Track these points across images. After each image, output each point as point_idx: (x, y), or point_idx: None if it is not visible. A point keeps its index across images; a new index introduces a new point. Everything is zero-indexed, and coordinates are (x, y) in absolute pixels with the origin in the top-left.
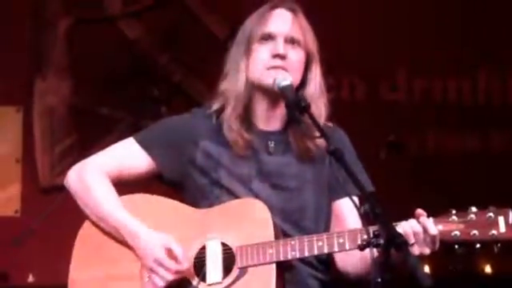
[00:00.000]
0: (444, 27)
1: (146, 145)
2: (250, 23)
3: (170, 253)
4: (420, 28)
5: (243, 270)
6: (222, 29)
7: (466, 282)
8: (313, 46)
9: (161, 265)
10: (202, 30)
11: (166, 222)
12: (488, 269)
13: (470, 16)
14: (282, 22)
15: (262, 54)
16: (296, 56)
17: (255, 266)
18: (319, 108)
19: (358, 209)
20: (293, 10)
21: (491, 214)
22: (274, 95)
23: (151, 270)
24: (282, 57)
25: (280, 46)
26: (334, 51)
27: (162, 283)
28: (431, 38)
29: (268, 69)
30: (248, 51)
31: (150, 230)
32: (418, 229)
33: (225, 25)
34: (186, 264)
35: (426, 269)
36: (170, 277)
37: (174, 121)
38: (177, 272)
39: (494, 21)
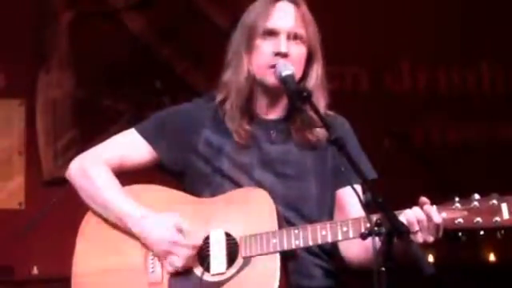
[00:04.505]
0: (447, 17)
1: (147, 135)
2: (252, 15)
3: (180, 231)
4: (424, 18)
5: (247, 260)
6: (224, 19)
7: (470, 271)
8: (315, 39)
9: (177, 244)
10: (205, 21)
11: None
12: (492, 257)
13: (474, 5)
14: (284, 16)
15: (264, 50)
16: (298, 51)
17: (259, 255)
18: (319, 100)
19: (360, 198)
20: (296, 3)
21: (494, 201)
22: (276, 89)
23: (167, 253)
24: (284, 55)
25: (283, 45)
26: (338, 42)
27: (181, 261)
28: (435, 28)
29: (270, 67)
30: (250, 45)
31: (155, 215)
32: (422, 216)
33: (227, 15)
34: (200, 235)
35: (430, 258)
36: (189, 253)
37: (175, 110)
38: (193, 247)
39: (498, 10)
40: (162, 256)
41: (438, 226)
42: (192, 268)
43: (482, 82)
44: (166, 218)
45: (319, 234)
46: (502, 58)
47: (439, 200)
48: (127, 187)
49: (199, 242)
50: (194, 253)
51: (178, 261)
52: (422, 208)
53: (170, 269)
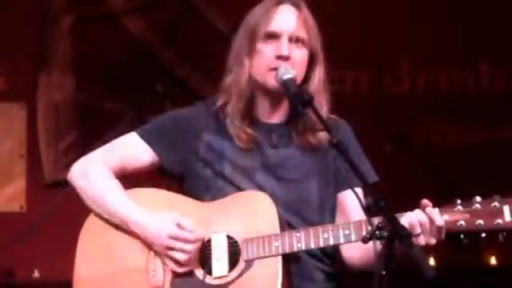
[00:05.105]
0: (447, 18)
1: (148, 139)
2: (254, 18)
3: (180, 227)
4: (423, 19)
5: (249, 263)
6: (225, 23)
7: (471, 274)
8: (317, 42)
9: (177, 238)
10: (205, 25)
11: None
12: (493, 261)
13: (474, 6)
14: (286, 20)
15: (265, 53)
16: (300, 55)
17: (261, 258)
18: (321, 104)
19: (361, 201)
20: (297, 6)
21: (496, 204)
22: (278, 93)
23: (167, 248)
24: (286, 58)
25: (284, 47)
26: (338, 44)
27: (183, 256)
28: (434, 29)
29: (271, 70)
30: (251, 49)
31: (155, 213)
32: (424, 219)
33: (227, 19)
34: (201, 231)
35: (431, 261)
36: (190, 247)
37: (176, 114)
38: (194, 240)
39: (498, 11)
40: (162, 252)
41: (440, 229)
42: (193, 271)
43: (481, 83)
44: (166, 216)
45: (321, 236)
46: (502, 58)
47: (440, 202)
48: (129, 190)
49: (200, 236)
50: (194, 248)
51: (178, 256)
52: (423, 210)
53: (172, 265)
